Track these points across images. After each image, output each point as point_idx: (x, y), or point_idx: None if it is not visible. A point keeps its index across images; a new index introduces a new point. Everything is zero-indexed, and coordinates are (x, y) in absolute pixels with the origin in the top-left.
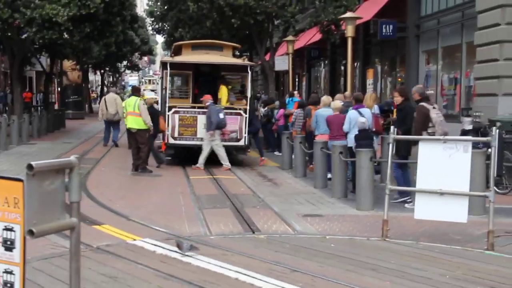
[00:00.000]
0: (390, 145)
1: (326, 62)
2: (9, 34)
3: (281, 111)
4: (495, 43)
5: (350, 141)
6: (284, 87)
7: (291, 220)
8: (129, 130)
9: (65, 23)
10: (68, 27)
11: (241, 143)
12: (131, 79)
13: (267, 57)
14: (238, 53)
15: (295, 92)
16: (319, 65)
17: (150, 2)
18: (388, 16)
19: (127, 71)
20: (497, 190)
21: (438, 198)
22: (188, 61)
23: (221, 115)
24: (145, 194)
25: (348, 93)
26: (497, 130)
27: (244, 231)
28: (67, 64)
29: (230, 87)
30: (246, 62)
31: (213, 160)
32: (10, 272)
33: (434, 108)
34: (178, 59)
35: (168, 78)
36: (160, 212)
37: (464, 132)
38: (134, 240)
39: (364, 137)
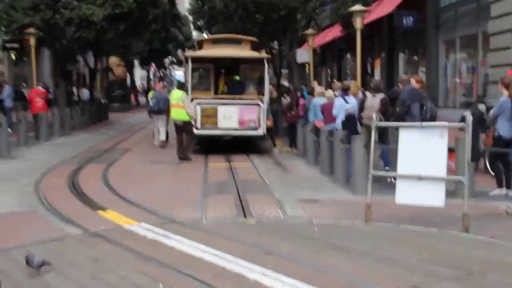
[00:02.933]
0: (373, 132)
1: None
2: (53, 33)
3: (301, 101)
4: (507, 32)
5: (338, 125)
6: (317, 79)
7: (286, 205)
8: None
9: (100, 22)
10: (103, 26)
11: (259, 132)
12: (178, 73)
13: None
14: (271, 48)
15: (314, 83)
16: (347, 57)
17: (191, 1)
18: (409, 8)
19: (175, 66)
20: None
21: (417, 183)
22: (207, 55)
23: (151, 103)
24: (159, 181)
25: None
26: (470, 117)
27: (237, 215)
28: (113, 60)
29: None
30: (262, 55)
31: (232, 149)
32: None
33: (374, 96)
34: (199, 53)
35: (190, 71)
36: (166, 198)
37: (462, 119)
38: (131, 225)
39: (350, 122)
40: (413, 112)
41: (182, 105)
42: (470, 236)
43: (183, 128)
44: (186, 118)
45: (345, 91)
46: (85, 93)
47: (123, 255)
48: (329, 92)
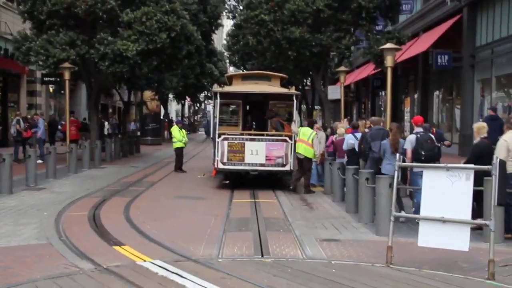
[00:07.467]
0: (396, 173)
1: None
2: (87, 67)
3: (331, 137)
4: None
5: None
6: (351, 115)
7: (306, 245)
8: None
9: (134, 57)
10: (136, 61)
11: (287, 168)
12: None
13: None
14: (303, 84)
15: (344, 120)
16: (382, 94)
17: (228, 38)
18: (445, 47)
19: (210, 101)
20: None
21: (441, 226)
22: (236, 91)
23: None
24: (180, 216)
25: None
26: (498, 159)
27: (254, 254)
28: (147, 94)
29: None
30: (292, 91)
31: (259, 185)
32: None
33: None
34: (227, 89)
35: (218, 106)
36: (184, 234)
37: None
38: (144, 261)
39: (352, 155)
40: (373, 148)
41: (311, 143)
42: (496, 284)
43: (302, 162)
44: (309, 155)
45: (355, 128)
46: (106, 125)
47: None
48: (341, 130)
